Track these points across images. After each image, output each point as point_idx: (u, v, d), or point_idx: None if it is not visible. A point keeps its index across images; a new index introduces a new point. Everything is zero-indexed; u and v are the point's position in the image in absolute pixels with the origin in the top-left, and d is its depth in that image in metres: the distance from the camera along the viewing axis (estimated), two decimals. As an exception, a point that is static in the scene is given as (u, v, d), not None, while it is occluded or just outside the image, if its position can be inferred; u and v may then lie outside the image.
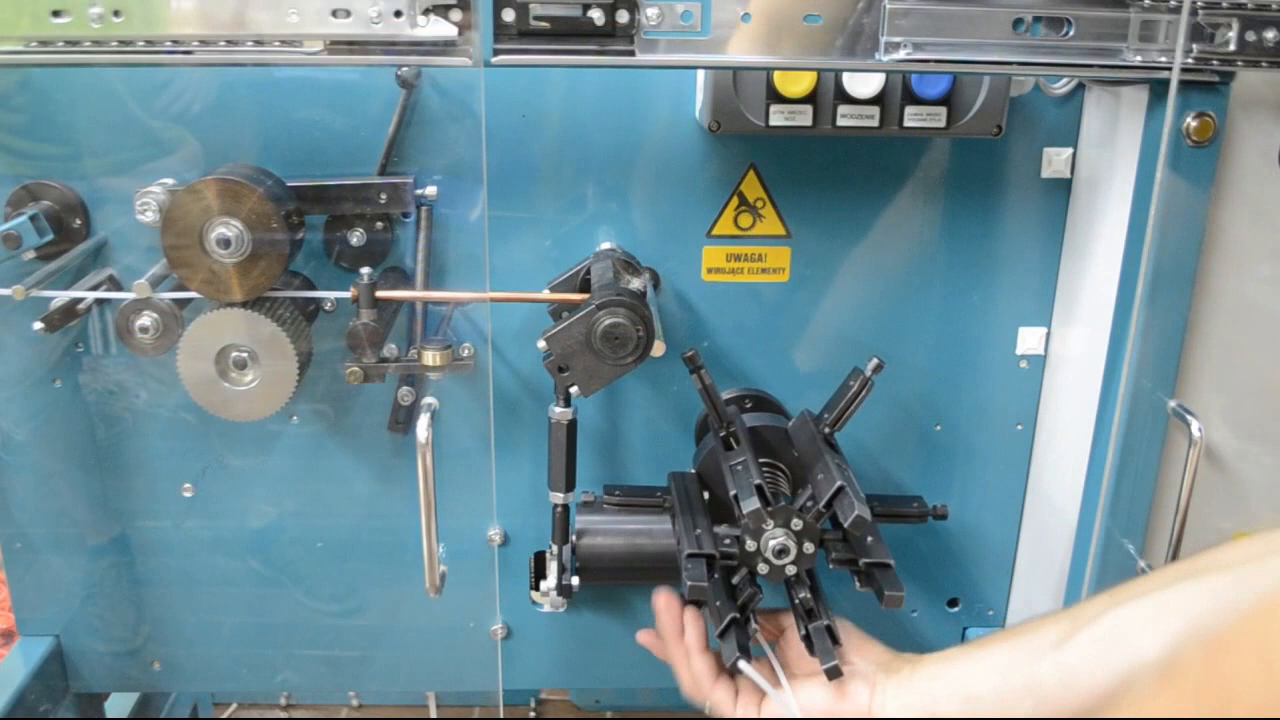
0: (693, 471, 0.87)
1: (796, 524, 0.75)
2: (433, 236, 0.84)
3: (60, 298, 0.80)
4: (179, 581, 0.95)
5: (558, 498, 0.83)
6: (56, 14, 0.65)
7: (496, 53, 0.67)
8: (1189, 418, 0.75)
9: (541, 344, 0.75)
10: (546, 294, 0.83)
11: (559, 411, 0.81)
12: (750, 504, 0.74)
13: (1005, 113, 0.81)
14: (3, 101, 0.81)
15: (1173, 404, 0.76)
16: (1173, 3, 0.67)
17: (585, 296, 0.77)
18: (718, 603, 0.77)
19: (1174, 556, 0.77)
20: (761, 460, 0.84)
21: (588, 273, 0.82)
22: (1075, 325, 0.87)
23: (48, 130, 0.82)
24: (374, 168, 0.83)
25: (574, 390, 0.76)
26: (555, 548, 0.87)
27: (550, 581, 0.88)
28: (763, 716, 0.73)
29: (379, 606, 0.97)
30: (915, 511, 0.89)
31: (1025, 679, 0.61)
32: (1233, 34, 0.68)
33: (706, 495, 0.84)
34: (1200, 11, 0.67)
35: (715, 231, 0.87)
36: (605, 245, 0.86)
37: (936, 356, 0.91)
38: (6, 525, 0.92)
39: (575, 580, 0.88)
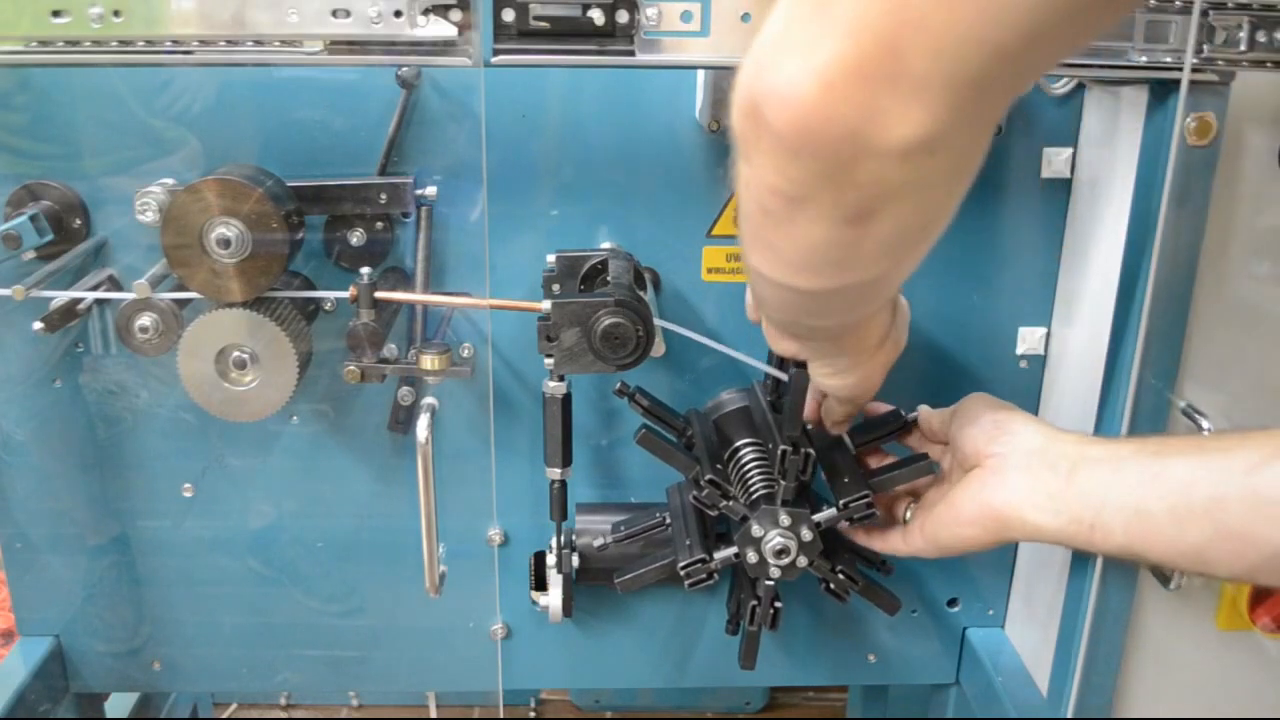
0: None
1: (806, 535, 0.75)
2: (433, 236, 0.84)
3: (60, 298, 0.80)
4: (179, 581, 0.95)
5: (554, 473, 0.83)
6: (56, 14, 0.65)
7: (496, 53, 0.67)
8: (1198, 418, 0.75)
9: (546, 305, 0.74)
10: (546, 304, 0.82)
11: (553, 386, 0.80)
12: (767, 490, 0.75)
13: (1005, 112, 0.81)
14: (3, 101, 0.81)
15: (1183, 404, 0.76)
16: (1178, 3, 0.68)
17: (585, 300, 0.77)
18: (685, 525, 0.77)
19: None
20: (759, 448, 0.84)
21: (601, 263, 0.82)
22: (1075, 325, 0.87)
23: (48, 130, 0.82)
24: (374, 168, 0.83)
25: (549, 363, 0.76)
26: (554, 543, 0.87)
27: (555, 601, 0.87)
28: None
29: (379, 606, 0.97)
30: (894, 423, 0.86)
31: (1208, 500, 0.57)
32: (1242, 34, 0.68)
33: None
34: (1210, 12, 0.67)
35: (715, 231, 0.87)
36: (606, 245, 0.86)
37: (936, 356, 0.91)
38: (6, 525, 0.92)
39: (575, 560, 0.88)
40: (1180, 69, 0.68)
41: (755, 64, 0.43)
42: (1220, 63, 0.69)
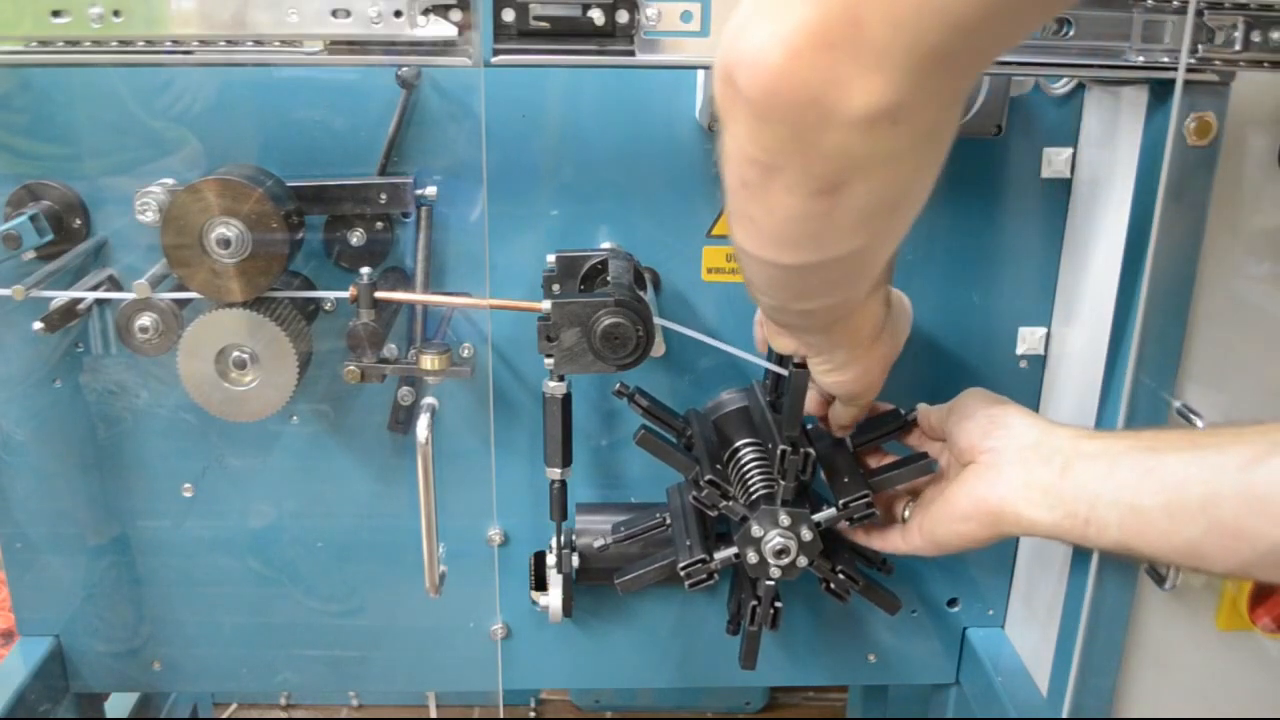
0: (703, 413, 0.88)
1: (806, 534, 0.75)
2: (433, 236, 0.84)
3: (60, 298, 0.80)
4: (179, 581, 0.95)
5: (554, 473, 0.83)
6: (56, 14, 0.65)
7: (496, 53, 0.67)
8: (1193, 418, 0.75)
9: (546, 305, 0.74)
10: (546, 304, 0.82)
11: (553, 386, 0.80)
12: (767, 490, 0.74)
13: (1005, 112, 0.81)
14: (3, 101, 0.81)
15: (1177, 404, 0.76)
16: (1176, 3, 0.68)
17: (585, 300, 0.77)
18: (685, 526, 0.77)
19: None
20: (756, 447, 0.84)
21: (601, 263, 0.82)
22: (1075, 325, 0.87)
23: (48, 130, 0.82)
24: (374, 168, 0.83)
25: (549, 363, 0.76)
26: (554, 543, 0.87)
27: (555, 601, 0.87)
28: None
29: (379, 606, 0.97)
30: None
31: (1202, 496, 0.57)
32: (1238, 34, 0.68)
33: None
34: (1205, 12, 0.67)
35: (715, 231, 0.87)
36: (606, 245, 0.86)
37: (936, 356, 0.91)
38: (6, 525, 0.92)
39: (575, 560, 0.88)
40: (1176, 69, 0.68)
41: (732, 32, 0.44)
42: (1217, 63, 0.69)
